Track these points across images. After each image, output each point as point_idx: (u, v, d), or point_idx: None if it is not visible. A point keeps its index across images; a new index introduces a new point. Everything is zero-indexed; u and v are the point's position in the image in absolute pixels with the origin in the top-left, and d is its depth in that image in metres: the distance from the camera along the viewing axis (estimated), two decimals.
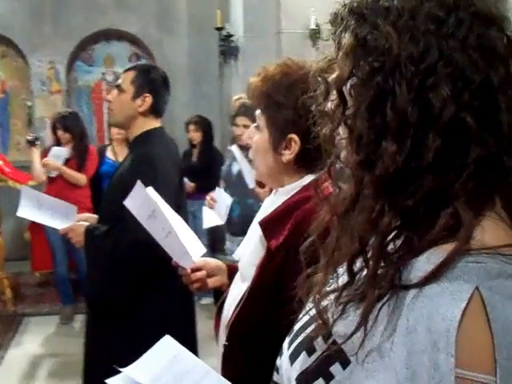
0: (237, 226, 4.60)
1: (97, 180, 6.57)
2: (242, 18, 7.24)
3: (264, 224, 1.75)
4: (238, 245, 2.06)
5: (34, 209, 3.15)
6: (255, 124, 1.85)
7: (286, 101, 1.71)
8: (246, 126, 4.88)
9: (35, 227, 7.30)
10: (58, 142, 6.41)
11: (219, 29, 7.65)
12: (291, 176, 1.79)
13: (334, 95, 1.00)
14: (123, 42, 9.29)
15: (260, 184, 4.23)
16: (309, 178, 1.75)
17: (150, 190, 2.16)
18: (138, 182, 2.11)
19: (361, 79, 0.93)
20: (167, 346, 1.48)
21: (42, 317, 6.60)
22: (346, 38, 0.96)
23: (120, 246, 2.92)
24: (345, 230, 0.97)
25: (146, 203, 2.08)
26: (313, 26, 6.83)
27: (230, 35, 7.50)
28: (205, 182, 6.18)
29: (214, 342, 1.98)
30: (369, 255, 0.93)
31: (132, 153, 3.17)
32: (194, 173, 6.48)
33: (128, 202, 2.16)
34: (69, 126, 6.46)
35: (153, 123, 3.19)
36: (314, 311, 1.02)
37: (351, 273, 0.97)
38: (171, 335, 1.45)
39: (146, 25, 9.02)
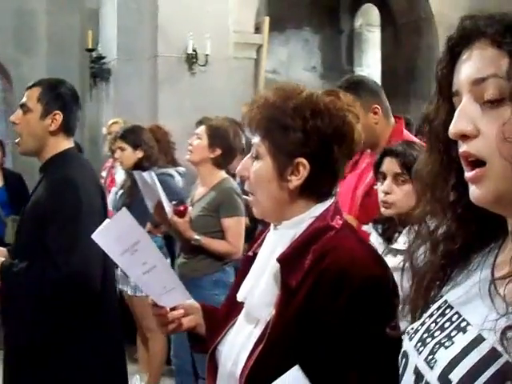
0: None
1: None
2: (115, 39, 7.03)
3: (282, 261, 1.63)
4: None
5: None
6: (251, 154, 1.73)
7: (293, 123, 1.63)
8: (122, 149, 4.88)
9: None
10: None
11: (90, 50, 7.39)
12: (298, 206, 1.69)
13: None
14: None
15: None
16: (318, 209, 1.68)
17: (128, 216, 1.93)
18: (123, 210, 1.88)
19: None
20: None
21: None
22: None
23: (46, 283, 2.64)
24: None
25: (127, 234, 1.86)
26: (190, 51, 6.74)
27: (102, 57, 7.25)
28: None
29: None
30: None
31: (46, 178, 2.87)
32: None
33: (98, 235, 1.92)
34: None
35: (65, 143, 2.93)
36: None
37: None
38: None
39: (2, 43, 8.56)
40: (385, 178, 2.64)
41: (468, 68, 1.00)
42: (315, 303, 1.54)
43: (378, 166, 2.68)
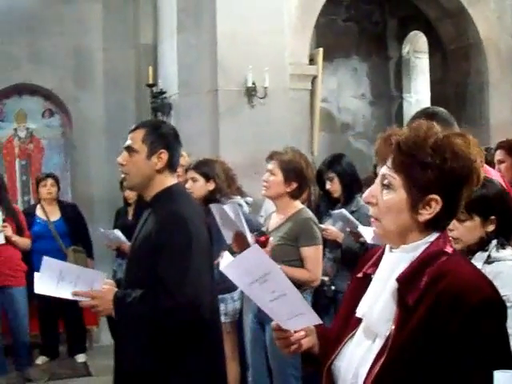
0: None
1: None
2: (175, 74, 7.21)
3: (401, 281, 1.76)
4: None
5: (54, 282, 2.90)
6: (381, 182, 1.84)
7: (433, 161, 1.74)
8: (194, 180, 5.00)
9: None
10: None
11: (151, 85, 7.59)
12: (420, 234, 1.81)
13: None
14: (37, 96, 9.00)
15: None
16: (433, 235, 1.80)
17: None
18: (255, 246, 2.02)
19: None
20: None
21: None
22: None
23: (159, 312, 2.79)
24: None
25: (257, 267, 1.98)
26: (249, 84, 6.89)
27: (163, 92, 7.44)
28: None
29: None
30: None
31: (155, 212, 3.02)
32: (130, 232, 6.31)
33: (227, 268, 2.05)
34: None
35: (170, 179, 3.08)
36: None
37: None
38: None
39: (61, 80, 8.80)
40: None
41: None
42: (433, 323, 1.66)
43: None
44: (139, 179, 3.05)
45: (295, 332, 2.01)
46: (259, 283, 1.94)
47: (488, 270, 2.65)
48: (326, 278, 4.91)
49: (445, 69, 9.24)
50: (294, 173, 4.23)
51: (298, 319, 1.98)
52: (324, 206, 5.39)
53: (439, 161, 1.73)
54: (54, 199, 6.99)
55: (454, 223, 2.73)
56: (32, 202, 8.55)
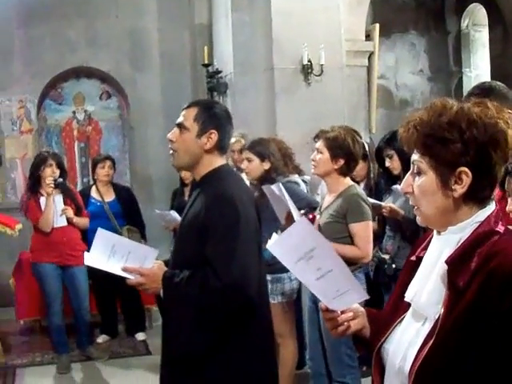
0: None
1: None
2: (231, 53, 7.18)
3: (450, 263, 1.73)
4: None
5: (105, 256, 2.89)
6: (412, 170, 1.84)
7: (451, 135, 1.72)
8: (249, 160, 5.00)
9: (20, 274, 7.04)
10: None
11: (206, 65, 7.58)
12: (462, 213, 1.78)
13: None
14: (94, 79, 9.12)
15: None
16: (481, 214, 1.77)
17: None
18: (302, 218, 1.98)
19: None
20: None
21: (35, 367, 6.32)
22: None
23: (207, 292, 2.77)
24: None
25: (304, 242, 1.94)
26: (305, 62, 6.82)
27: (218, 71, 7.43)
28: None
29: None
30: None
31: (203, 193, 2.98)
32: None
33: (274, 246, 2.01)
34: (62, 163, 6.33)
35: (219, 160, 3.05)
36: None
37: None
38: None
39: (118, 62, 8.89)
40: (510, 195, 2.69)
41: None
42: (484, 303, 1.61)
43: (502, 183, 2.71)
44: (187, 158, 3.02)
45: (342, 313, 2.00)
46: (305, 260, 1.91)
47: None
48: (387, 256, 4.86)
49: (505, 42, 9.01)
50: (341, 149, 4.21)
51: (344, 297, 1.97)
52: (384, 183, 5.31)
53: (457, 133, 1.71)
54: (110, 181, 7.06)
55: None
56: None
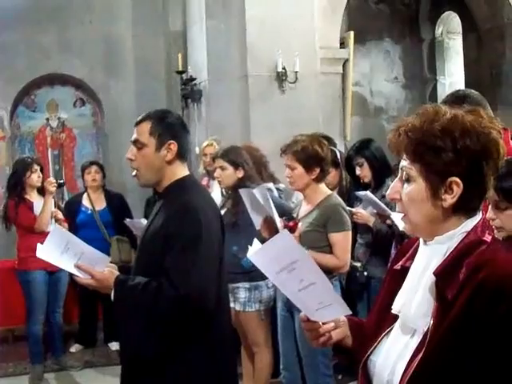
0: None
1: (72, 231, 6.27)
2: (205, 61, 7.17)
3: (438, 274, 1.69)
4: None
5: (58, 251, 2.86)
6: (401, 176, 1.79)
7: (443, 144, 1.68)
8: (222, 168, 4.95)
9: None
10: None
11: (181, 72, 7.55)
12: (451, 223, 1.74)
13: None
14: (67, 86, 9.05)
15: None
16: (468, 224, 1.73)
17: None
18: (284, 231, 1.96)
19: None
20: None
21: (8, 378, 6.22)
22: None
23: (161, 300, 2.74)
24: None
25: (286, 254, 1.92)
26: (280, 69, 6.82)
27: (193, 79, 7.40)
28: None
29: None
30: None
31: (166, 204, 2.95)
32: None
33: (255, 256, 1.99)
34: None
35: (181, 170, 3.00)
36: None
37: None
38: None
39: (92, 68, 8.83)
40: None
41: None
42: (474, 315, 1.58)
43: None
44: (151, 173, 2.96)
45: (324, 324, 1.97)
46: (287, 271, 1.88)
47: None
48: (359, 264, 4.85)
49: (479, 49, 9.07)
50: (312, 159, 4.16)
51: (327, 310, 1.93)
52: (354, 191, 5.32)
53: (450, 142, 1.67)
54: (100, 187, 6.99)
55: (494, 212, 2.65)
56: (65, 191, 8.63)
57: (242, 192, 4.40)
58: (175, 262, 2.75)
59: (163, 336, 2.83)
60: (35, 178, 6.07)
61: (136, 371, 2.94)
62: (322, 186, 4.30)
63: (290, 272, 1.88)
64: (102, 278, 2.83)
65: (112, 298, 2.85)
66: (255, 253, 1.98)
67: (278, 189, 5.47)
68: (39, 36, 8.60)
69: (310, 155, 4.16)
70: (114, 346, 6.98)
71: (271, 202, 4.13)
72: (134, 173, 3.00)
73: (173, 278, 2.72)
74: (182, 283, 2.70)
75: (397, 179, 1.81)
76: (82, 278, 2.85)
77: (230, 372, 3.12)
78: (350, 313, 1.95)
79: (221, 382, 2.99)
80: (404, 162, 1.76)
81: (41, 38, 8.62)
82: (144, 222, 5.89)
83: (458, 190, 1.69)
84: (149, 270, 2.85)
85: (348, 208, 4.71)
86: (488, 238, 1.71)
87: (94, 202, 6.87)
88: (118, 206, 7.04)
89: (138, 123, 3.00)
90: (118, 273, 2.88)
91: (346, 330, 2.03)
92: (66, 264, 2.87)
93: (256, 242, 4.06)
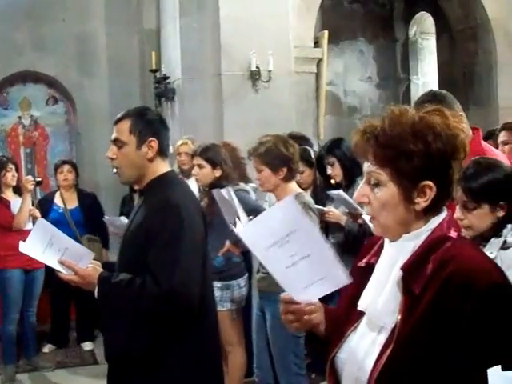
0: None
1: None
2: (179, 59, 7.14)
3: (405, 270, 1.70)
4: None
5: (42, 246, 2.84)
6: (368, 181, 1.76)
7: (416, 148, 1.67)
8: (200, 167, 4.91)
9: None
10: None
11: (154, 71, 7.52)
12: (419, 222, 1.75)
13: None
14: (40, 84, 8.96)
15: None
16: (435, 221, 1.74)
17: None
18: (290, 198, 1.77)
19: None
20: None
21: None
22: None
23: (145, 297, 2.72)
24: None
25: (284, 223, 1.74)
26: (253, 68, 6.82)
27: (166, 77, 7.37)
28: None
29: None
30: None
31: (147, 200, 2.95)
32: None
33: (248, 227, 1.90)
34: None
35: (162, 166, 2.99)
36: None
37: None
38: None
39: (65, 66, 8.75)
40: None
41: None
42: (442, 309, 1.60)
43: None
44: (132, 171, 2.95)
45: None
46: (278, 246, 1.74)
47: (503, 257, 2.58)
48: None
49: (452, 50, 9.14)
50: (278, 159, 4.13)
51: (320, 285, 1.80)
52: (326, 191, 5.32)
53: (423, 146, 1.66)
54: (72, 186, 6.98)
55: (462, 212, 2.68)
56: (38, 189, 8.55)
57: (214, 192, 4.39)
58: (157, 258, 2.73)
59: (149, 333, 2.79)
60: (10, 176, 6.09)
61: (123, 370, 2.91)
62: (292, 185, 4.27)
63: (281, 247, 1.75)
64: (86, 274, 2.81)
65: (95, 295, 2.82)
66: (248, 224, 1.92)
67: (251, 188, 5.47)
68: (12, 33, 8.51)
69: (275, 156, 4.13)
70: (87, 346, 6.94)
71: (236, 202, 4.12)
72: (114, 170, 2.99)
73: (156, 275, 2.70)
74: (165, 280, 2.69)
75: (363, 182, 1.79)
76: (65, 274, 2.82)
77: (218, 368, 3.11)
78: (350, 281, 1.77)
79: (208, 379, 2.99)
80: (372, 167, 1.74)
81: (14, 35, 8.52)
82: (123, 219, 5.87)
83: (431, 193, 1.70)
84: (131, 267, 2.84)
85: (320, 207, 4.71)
86: (454, 234, 1.73)
87: (66, 201, 6.84)
88: (90, 205, 7.02)
89: (117, 121, 2.98)
90: (101, 270, 2.86)
91: (322, 316, 1.94)
92: (50, 259, 2.84)
93: (244, 216, 4.05)
